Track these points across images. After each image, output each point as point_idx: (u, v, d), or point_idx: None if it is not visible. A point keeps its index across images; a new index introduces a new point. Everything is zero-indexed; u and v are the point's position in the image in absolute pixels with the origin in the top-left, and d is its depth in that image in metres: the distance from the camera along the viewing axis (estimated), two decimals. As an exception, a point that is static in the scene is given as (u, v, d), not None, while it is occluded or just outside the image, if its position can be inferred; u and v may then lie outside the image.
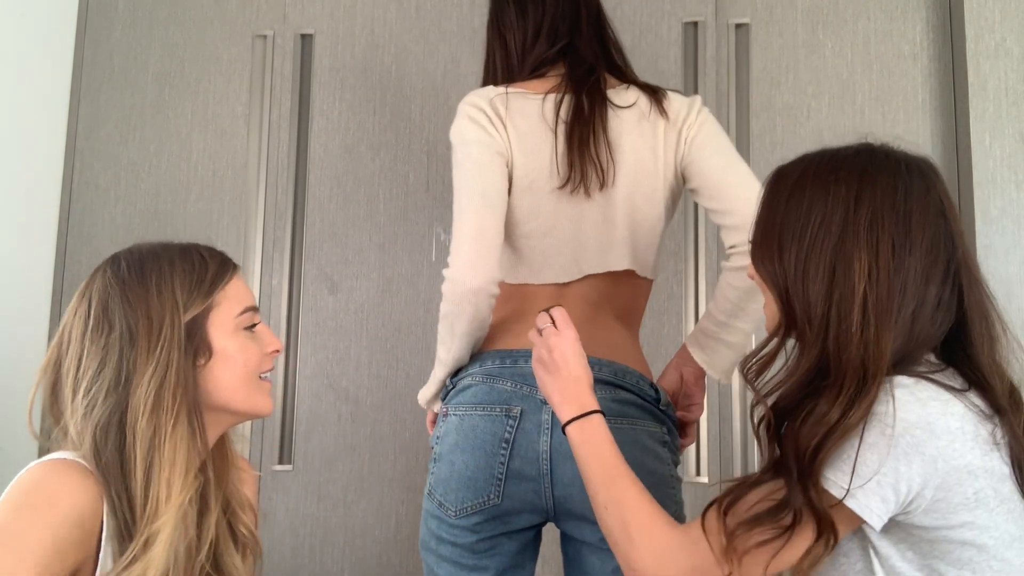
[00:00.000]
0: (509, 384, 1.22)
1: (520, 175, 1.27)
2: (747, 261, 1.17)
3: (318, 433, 2.07)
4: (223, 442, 1.10)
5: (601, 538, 1.11)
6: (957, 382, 0.87)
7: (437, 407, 1.35)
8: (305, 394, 2.08)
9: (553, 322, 1.09)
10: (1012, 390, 0.90)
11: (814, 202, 0.90)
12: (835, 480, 0.83)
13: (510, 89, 1.31)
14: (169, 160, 2.20)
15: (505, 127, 1.27)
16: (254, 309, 1.07)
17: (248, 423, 2.07)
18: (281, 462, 2.06)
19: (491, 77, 1.39)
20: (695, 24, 2.09)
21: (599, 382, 1.20)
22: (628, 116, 1.29)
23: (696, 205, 2.02)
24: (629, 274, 1.31)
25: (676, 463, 1.26)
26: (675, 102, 1.31)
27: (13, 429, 1.99)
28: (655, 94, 1.31)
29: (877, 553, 0.87)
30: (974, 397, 0.86)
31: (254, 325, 1.07)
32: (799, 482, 0.84)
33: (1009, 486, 0.84)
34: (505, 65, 1.37)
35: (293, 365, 2.09)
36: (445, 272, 1.23)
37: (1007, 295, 1.85)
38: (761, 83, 2.07)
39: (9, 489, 0.90)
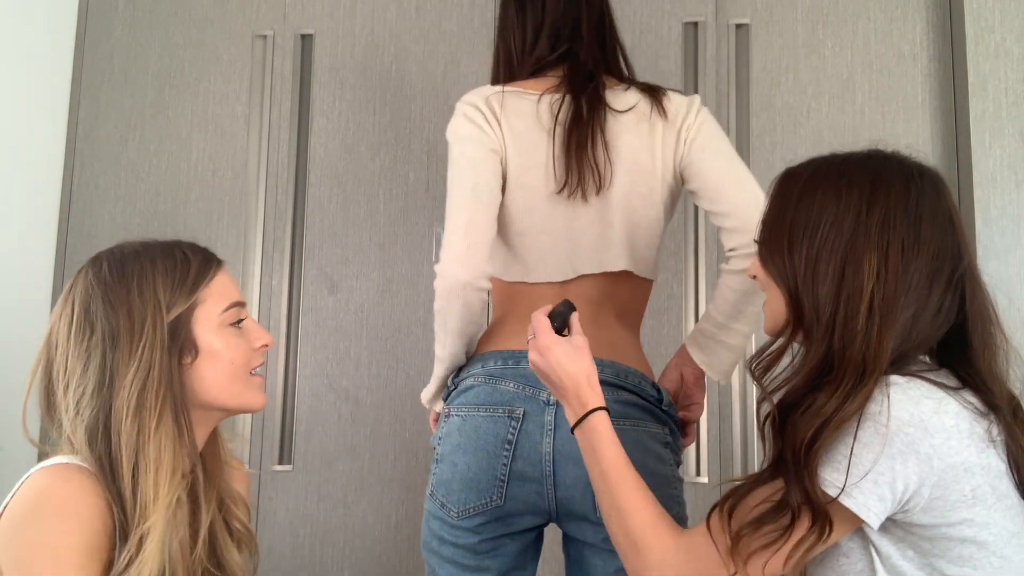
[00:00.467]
0: (512, 385, 1.22)
1: (515, 173, 1.28)
2: (746, 264, 1.18)
3: (318, 433, 2.07)
4: (214, 439, 1.09)
5: (604, 538, 1.11)
6: (951, 381, 0.87)
7: (439, 407, 1.35)
8: (305, 394, 2.08)
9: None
10: (1012, 400, 0.91)
11: (826, 203, 0.91)
12: (832, 480, 0.84)
13: (507, 88, 1.31)
14: (169, 160, 2.20)
15: (500, 125, 1.27)
16: (240, 304, 1.05)
17: (248, 424, 2.07)
18: (281, 462, 2.06)
19: (495, 76, 1.40)
20: (695, 24, 2.09)
21: (601, 383, 1.20)
22: (626, 118, 1.29)
23: (696, 205, 2.02)
24: (628, 274, 1.31)
25: (678, 463, 1.27)
26: (674, 102, 1.30)
27: (13, 429, 1.99)
28: (654, 94, 1.31)
29: (878, 552, 0.87)
30: (968, 396, 0.87)
31: (241, 321, 1.05)
32: (795, 476, 0.84)
33: (1006, 483, 0.85)
34: (507, 65, 1.38)
35: (293, 365, 2.09)
36: (436, 268, 1.24)
37: (1007, 295, 1.85)
38: (761, 83, 2.07)
39: (19, 500, 0.89)
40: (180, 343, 0.98)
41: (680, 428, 1.32)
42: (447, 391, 1.31)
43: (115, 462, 0.92)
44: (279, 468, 2.05)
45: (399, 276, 2.10)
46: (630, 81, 1.35)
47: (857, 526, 0.87)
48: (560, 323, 1.09)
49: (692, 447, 1.94)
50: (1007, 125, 1.91)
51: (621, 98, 1.30)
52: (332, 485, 2.05)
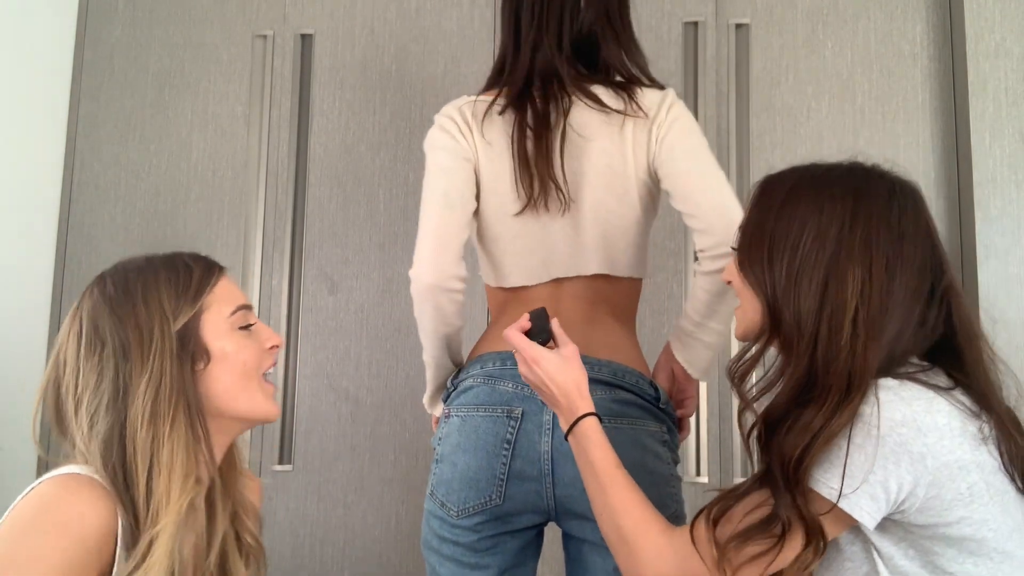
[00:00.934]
0: (510, 385, 1.22)
1: (487, 180, 1.29)
2: (715, 265, 1.20)
3: (318, 433, 2.07)
4: (230, 449, 1.10)
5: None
6: (942, 381, 0.88)
7: (439, 411, 1.36)
8: (305, 394, 2.08)
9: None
10: (1007, 410, 0.91)
11: (809, 215, 0.91)
12: (824, 481, 0.84)
13: (480, 97, 1.32)
14: (169, 160, 2.20)
15: (472, 133, 1.29)
16: (247, 307, 1.06)
17: (248, 423, 2.07)
18: (281, 462, 2.06)
19: (487, 82, 1.39)
20: (695, 24, 2.09)
21: (598, 382, 1.20)
22: (595, 118, 1.27)
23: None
24: (615, 277, 1.31)
25: (676, 462, 1.27)
26: (646, 98, 1.28)
27: (13, 429, 1.99)
28: (626, 90, 1.28)
29: (880, 554, 0.88)
30: (959, 395, 0.87)
31: (250, 325, 1.06)
32: (786, 491, 0.85)
33: (1001, 478, 0.85)
34: (498, 69, 1.37)
35: (293, 365, 2.09)
36: (409, 273, 1.26)
37: (1007, 295, 1.85)
38: (761, 83, 2.07)
39: (20, 506, 0.90)
40: (191, 350, 1.00)
41: (676, 424, 1.33)
42: (447, 392, 1.32)
43: (129, 470, 0.93)
44: (279, 468, 2.05)
45: (399, 276, 2.10)
46: (601, 79, 1.31)
47: (849, 526, 0.87)
48: (544, 337, 1.10)
49: (692, 447, 1.94)
50: (1007, 125, 1.91)
51: (590, 96, 1.27)
52: (332, 485, 2.05)
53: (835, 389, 0.85)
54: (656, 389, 1.26)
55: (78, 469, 0.94)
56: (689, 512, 1.27)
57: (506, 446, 1.20)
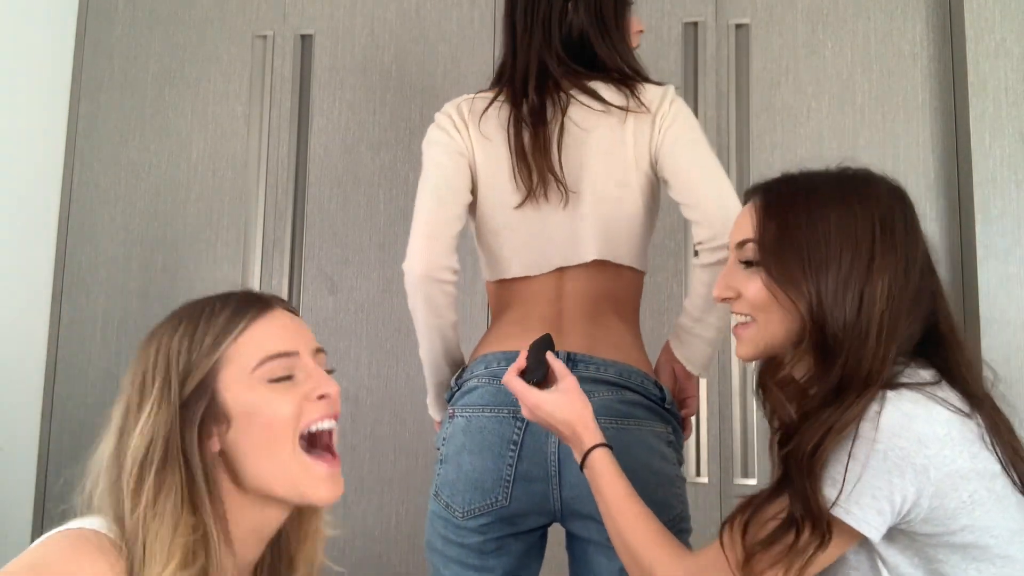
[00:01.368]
0: None
1: (484, 174, 1.31)
2: (714, 257, 1.21)
3: (318, 433, 2.07)
4: (300, 512, 0.95)
5: (608, 537, 1.11)
6: (929, 374, 0.89)
7: (440, 415, 1.36)
8: (305, 394, 2.08)
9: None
10: (989, 400, 0.92)
11: (841, 224, 0.90)
12: (830, 497, 0.85)
13: (478, 94, 1.35)
14: (169, 160, 2.20)
15: (468, 129, 1.31)
16: (283, 356, 0.88)
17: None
18: (281, 462, 2.06)
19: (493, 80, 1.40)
20: (695, 24, 2.09)
21: (605, 383, 1.21)
22: (595, 112, 1.28)
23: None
24: (616, 266, 1.31)
25: (680, 462, 1.27)
26: (648, 93, 1.30)
27: (13, 429, 1.99)
28: (628, 86, 1.30)
29: (885, 563, 0.89)
30: (948, 391, 0.87)
31: (287, 377, 0.88)
32: (798, 484, 0.85)
33: (1001, 482, 0.86)
34: (501, 68, 1.38)
35: (293, 365, 2.09)
36: (402, 266, 1.28)
37: (1007, 295, 1.85)
38: (761, 83, 2.07)
39: (25, 559, 0.80)
40: (201, 412, 0.84)
41: (681, 424, 1.33)
42: (451, 392, 1.31)
43: (128, 531, 0.83)
44: (279, 468, 2.05)
45: (399, 276, 2.08)
46: (601, 76, 1.32)
47: (857, 540, 0.88)
48: (541, 373, 1.08)
49: (693, 448, 1.94)
50: (1007, 125, 1.91)
51: (591, 91, 1.29)
52: (332, 485, 2.05)
53: (855, 387, 0.86)
54: (661, 389, 1.26)
55: (91, 524, 0.84)
56: (690, 514, 1.27)
57: (512, 447, 1.20)
